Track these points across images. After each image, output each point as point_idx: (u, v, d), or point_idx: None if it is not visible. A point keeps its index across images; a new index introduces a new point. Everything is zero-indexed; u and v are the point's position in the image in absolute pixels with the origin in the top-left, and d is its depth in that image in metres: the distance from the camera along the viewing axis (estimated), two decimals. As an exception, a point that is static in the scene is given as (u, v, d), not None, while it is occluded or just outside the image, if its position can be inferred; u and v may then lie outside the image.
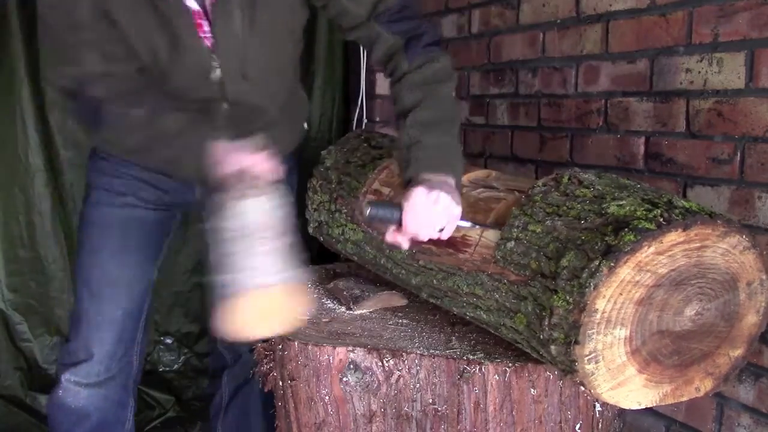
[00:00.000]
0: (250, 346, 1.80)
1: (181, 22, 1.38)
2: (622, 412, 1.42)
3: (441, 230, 1.26)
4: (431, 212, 1.24)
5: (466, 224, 1.32)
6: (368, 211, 1.24)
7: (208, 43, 1.41)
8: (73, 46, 1.39)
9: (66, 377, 1.65)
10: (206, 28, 1.40)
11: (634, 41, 1.66)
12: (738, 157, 1.43)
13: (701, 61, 1.50)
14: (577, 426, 1.33)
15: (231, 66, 1.45)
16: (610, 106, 1.74)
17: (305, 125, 1.84)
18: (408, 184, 1.30)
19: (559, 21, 1.88)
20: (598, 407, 1.35)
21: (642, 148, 1.65)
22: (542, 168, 1.97)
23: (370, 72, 2.54)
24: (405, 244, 1.28)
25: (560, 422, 1.31)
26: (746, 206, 1.42)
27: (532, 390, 1.28)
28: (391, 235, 1.28)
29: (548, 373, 1.28)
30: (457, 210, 1.27)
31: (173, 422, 2.45)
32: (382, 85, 2.51)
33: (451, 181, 1.29)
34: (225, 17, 1.39)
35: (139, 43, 1.41)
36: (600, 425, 1.36)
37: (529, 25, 1.99)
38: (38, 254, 2.42)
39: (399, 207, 1.24)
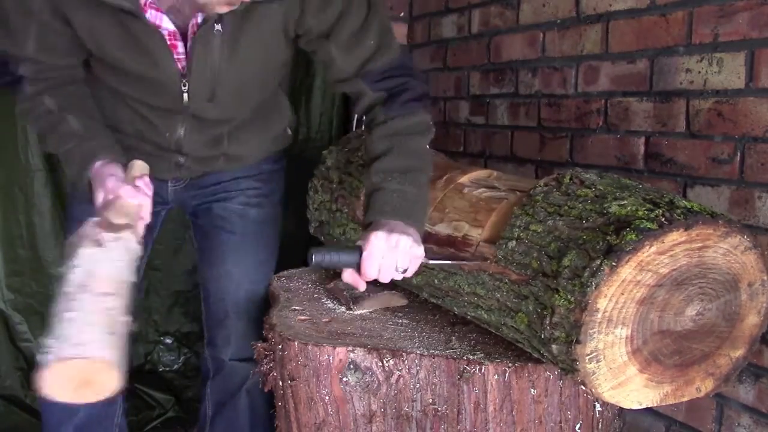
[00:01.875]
0: (232, 357, 1.77)
1: (152, 41, 1.37)
2: (621, 412, 1.42)
3: (404, 271, 1.25)
4: (391, 257, 1.23)
5: (435, 262, 1.32)
6: (313, 259, 1.22)
7: (179, 65, 1.41)
8: (18, 28, 1.41)
9: None
10: (180, 49, 1.39)
11: (634, 41, 1.66)
12: (738, 157, 1.43)
13: (701, 61, 1.50)
14: (577, 426, 1.33)
15: (199, 90, 1.45)
16: (610, 106, 1.74)
17: (288, 130, 1.81)
18: (367, 227, 1.30)
19: (559, 21, 1.88)
20: (598, 407, 1.35)
21: (642, 148, 1.65)
22: (542, 168, 1.97)
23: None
24: (362, 286, 1.28)
25: (560, 422, 1.31)
26: (746, 206, 1.42)
27: (532, 390, 1.28)
28: (349, 276, 1.27)
29: (548, 373, 1.28)
30: (420, 250, 1.25)
31: (173, 422, 2.45)
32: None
33: (411, 230, 1.27)
34: (204, 46, 1.38)
35: (98, 47, 1.41)
36: (600, 425, 1.36)
37: (529, 25, 1.99)
38: (38, 254, 2.41)
39: (358, 249, 1.24)
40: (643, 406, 1.17)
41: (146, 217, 1.33)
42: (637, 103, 1.66)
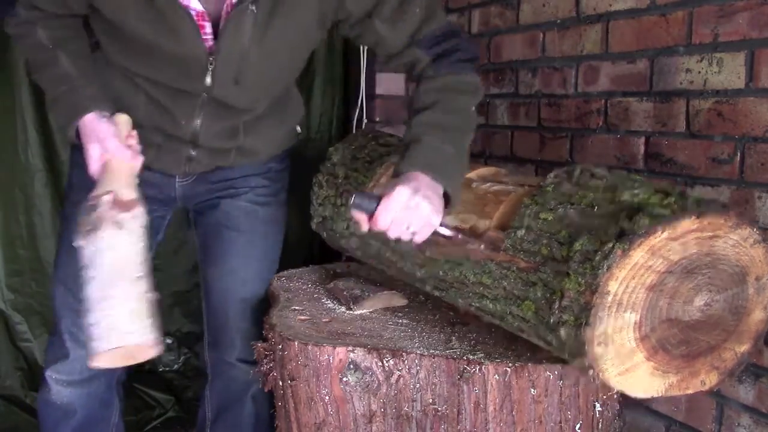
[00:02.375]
0: (237, 358, 1.74)
1: (179, 19, 1.36)
2: (621, 412, 1.42)
3: (413, 233, 1.24)
4: (406, 215, 1.21)
5: (447, 232, 1.28)
6: (353, 199, 1.22)
7: (206, 44, 1.39)
8: None
9: (49, 374, 1.66)
10: (208, 30, 1.38)
11: (634, 41, 1.66)
12: (738, 157, 1.44)
13: (701, 61, 1.50)
14: (577, 426, 1.33)
15: (225, 72, 1.43)
16: (610, 106, 1.74)
17: (298, 128, 1.80)
18: (397, 177, 1.27)
19: (559, 21, 1.88)
20: (598, 407, 1.35)
21: (642, 148, 1.65)
22: (542, 168, 1.97)
23: (370, 72, 2.54)
24: (365, 226, 1.25)
25: (560, 422, 1.31)
26: (746, 206, 1.42)
27: (532, 390, 1.28)
28: (363, 219, 1.25)
29: (548, 373, 1.28)
30: (436, 220, 1.24)
31: (173, 422, 2.45)
32: (382, 85, 2.51)
33: (440, 189, 1.25)
34: (236, 26, 1.37)
35: (122, 20, 1.39)
36: (600, 425, 1.36)
37: (529, 25, 1.99)
38: (38, 254, 2.42)
39: (379, 198, 1.22)
40: (648, 396, 1.17)
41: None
42: (637, 103, 1.66)
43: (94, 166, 1.36)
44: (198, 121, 1.52)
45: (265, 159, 1.72)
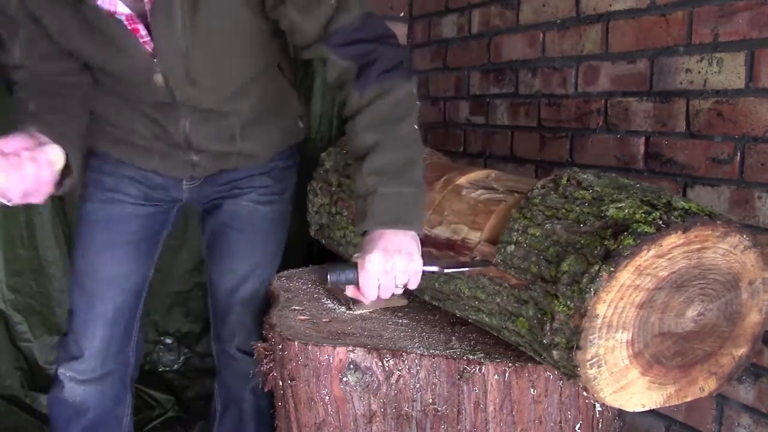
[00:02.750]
0: (237, 347, 1.77)
1: (113, 28, 1.33)
2: (621, 413, 1.42)
3: (405, 285, 1.24)
4: (388, 277, 1.21)
5: (434, 269, 1.28)
6: (329, 278, 1.22)
7: (148, 47, 1.37)
8: (7, 36, 1.42)
9: (62, 372, 1.67)
10: (143, 32, 1.35)
11: (634, 41, 1.66)
12: (738, 157, 1.44)
13: (701, 61, 1.50)
14: (577, 426, 1.33)
15: (174, 71, 1.41)
16: (610, 106, 1.74)
17: (300, 123, 1.80)
18: (364, 235, 1.26)
19: (559, 21, 1.88)
20: (598, 407, 1.35)
21: (642, 148, 1.65)
22: (542, 168, 1.97)
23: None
24: (366, 301, 1.25)
25: (560, 422, 1.31)
26: (746, 206, 1.42)
27: (532, 390, 1.28)
28: (351, 291, 1.25)
29: (548, 373, 1.28)
30: (418, 265, 1.23)
31: (173, 422, 2.45)
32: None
33: (409, 235, 1.24)
34: (164, 20, 1.32)
35: (71, 45, 1.40)
36: (600, 425, 1.36)
37: (529, 25, 1.99)
38: (38, 254, 2.41)
39: (354, 265, 1.21)
40: (647, 408, 1.17)
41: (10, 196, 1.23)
42: (637, 103, 1.66)
43: None
44: (185, 125, 1.53)
45: (267, 159, 1.74)
